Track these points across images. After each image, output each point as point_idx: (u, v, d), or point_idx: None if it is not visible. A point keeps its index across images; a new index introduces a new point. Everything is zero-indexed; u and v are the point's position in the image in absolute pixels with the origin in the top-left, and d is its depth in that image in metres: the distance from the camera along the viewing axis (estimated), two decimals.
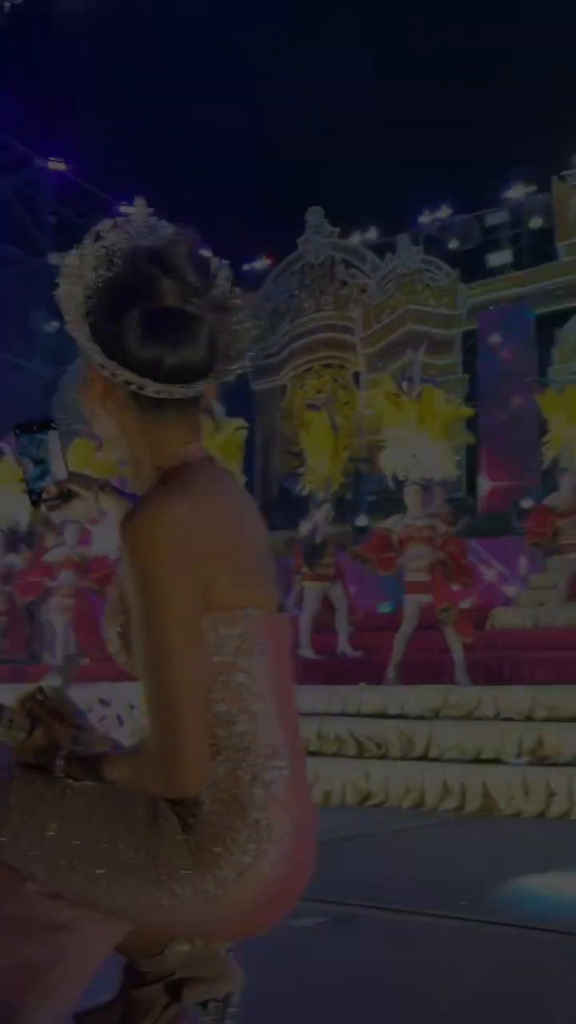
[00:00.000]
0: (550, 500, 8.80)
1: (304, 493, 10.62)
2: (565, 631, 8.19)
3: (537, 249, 15.53)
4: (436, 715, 6.81)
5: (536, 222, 15.36)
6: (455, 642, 7.22)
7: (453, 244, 15.91)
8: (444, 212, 16.00)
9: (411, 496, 7.92)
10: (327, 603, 8.88)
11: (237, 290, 1.47)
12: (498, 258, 15.63)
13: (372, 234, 16.88)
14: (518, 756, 6.10)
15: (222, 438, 8.79)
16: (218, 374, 1.44)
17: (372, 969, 2.72)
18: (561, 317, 14.78)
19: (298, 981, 2.59)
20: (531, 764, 5.98)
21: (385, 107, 17.42)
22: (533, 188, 15.38)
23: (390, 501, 14.11)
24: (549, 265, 15.04)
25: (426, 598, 7.42)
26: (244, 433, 10.00)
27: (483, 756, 6.18)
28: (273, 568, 1.49)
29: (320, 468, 10.15)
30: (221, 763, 1.35)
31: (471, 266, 15.80)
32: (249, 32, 18.22)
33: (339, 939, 3.07)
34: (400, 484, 8.44)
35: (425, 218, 16.32)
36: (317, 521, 8.93)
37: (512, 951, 2.94)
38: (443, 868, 4.28)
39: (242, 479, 7.05)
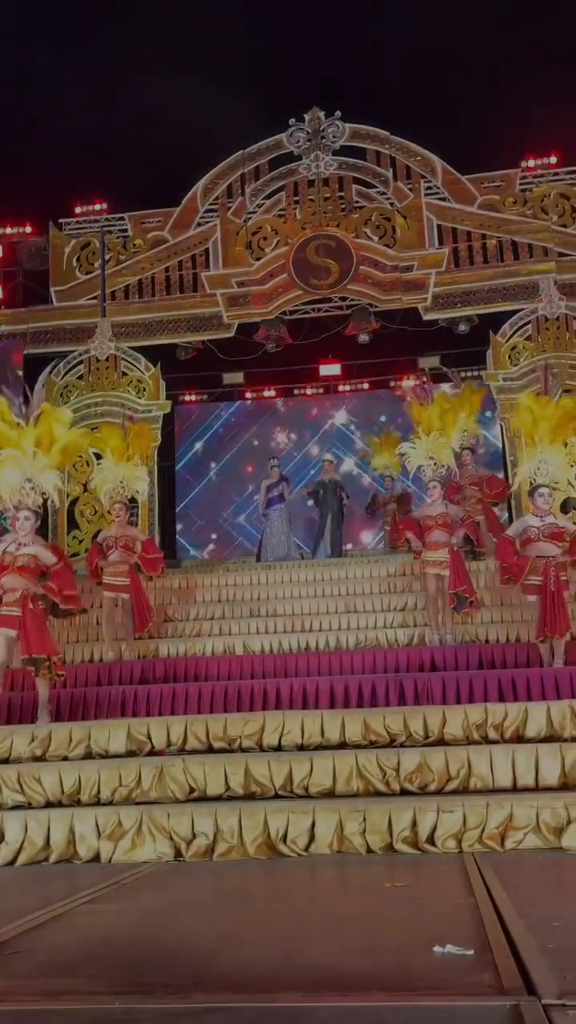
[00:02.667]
0: None
1: None
2: None
3: (31, 290, 15.56)
4: None
5: (32, 263, 15.39)
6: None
7: None
8: None
9: (20, 522, 7.52)
10: None
11: None
12: None
13: None
14: None
15: None
16: None
17: None
18: (51, 360, 14.92)
19: None
20: None
21: None
22: (27, 229, 15.41)
23: None
24: (42, 308, 15.13)
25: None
26: None
27: None
28: None
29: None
30: None
31: None
32: None
33: None
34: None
35: None
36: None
37: None
38: None
39: None
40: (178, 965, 3.01)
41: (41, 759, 6.38)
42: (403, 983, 2.73)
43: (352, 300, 14.70)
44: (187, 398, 18.04)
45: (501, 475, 13.30)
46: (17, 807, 5.72)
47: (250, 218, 14.77)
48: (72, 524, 14.49)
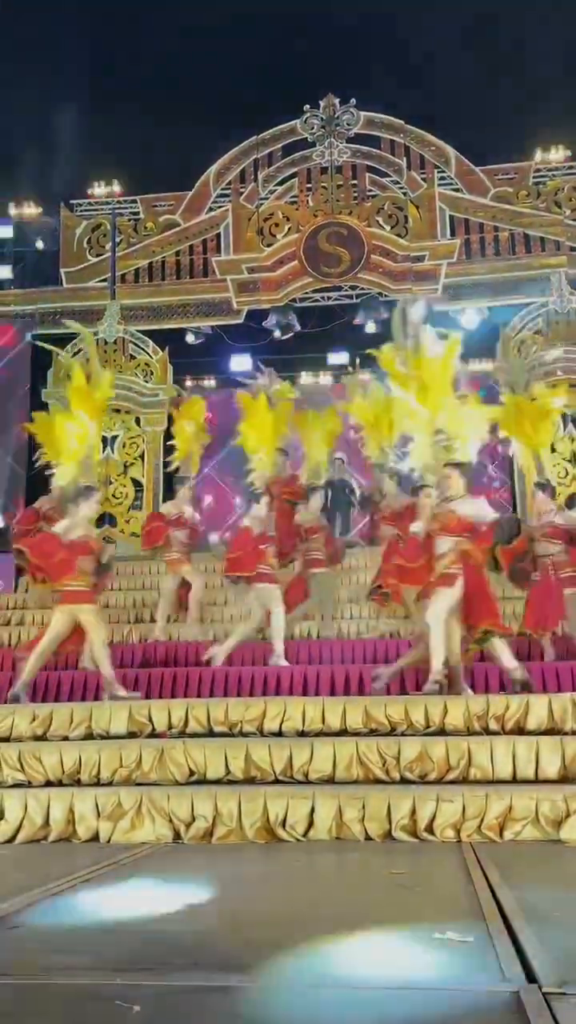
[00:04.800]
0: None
1: None
2: None
3: (41, 271, 15.52)
4: None
5: (42, 244, 15.36)
6: None
7: None
8: None
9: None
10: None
11: None
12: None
13: None
14: None
15: None
16: None
17: None
18: (60, 340, 14.88)
19: None
20: None
21: None
22: (39, 210, 15.37)
23: None
24: (51, 289, 15.10)
25: None
26: None
27: None
28: None
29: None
30: None
31: None
32: None
33: None
34: None
35: None
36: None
37: None
38: None
39: None
40: (177, 944, 3.02)
41: (42, 738, 6.39)
42: (404, 968, 2.73)
43: (362, 289, 14.64)
44: (193, 383, 17.98)
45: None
46: (17, 785, 5.73)
47: (262, 204, 14.71)
48: None
